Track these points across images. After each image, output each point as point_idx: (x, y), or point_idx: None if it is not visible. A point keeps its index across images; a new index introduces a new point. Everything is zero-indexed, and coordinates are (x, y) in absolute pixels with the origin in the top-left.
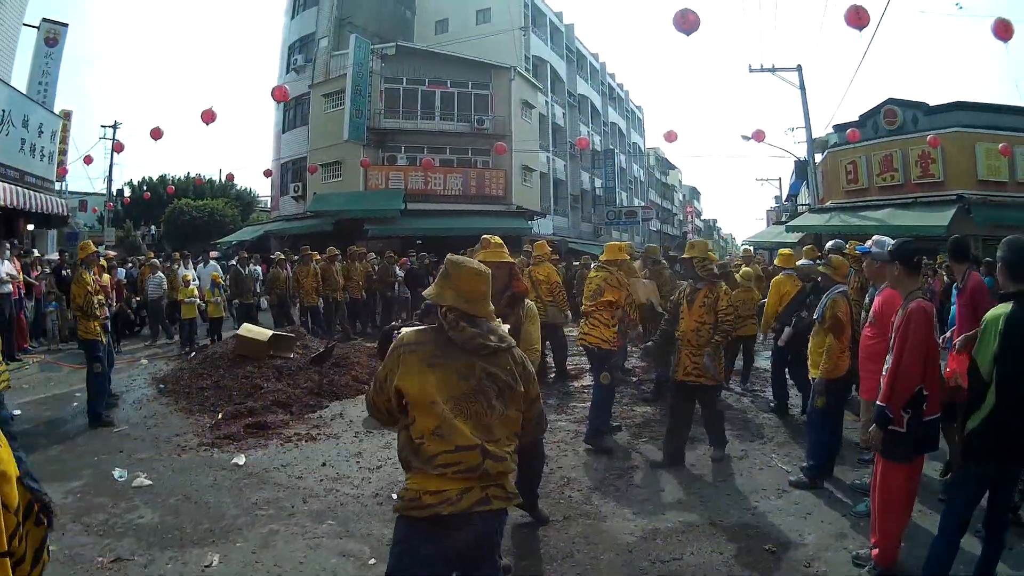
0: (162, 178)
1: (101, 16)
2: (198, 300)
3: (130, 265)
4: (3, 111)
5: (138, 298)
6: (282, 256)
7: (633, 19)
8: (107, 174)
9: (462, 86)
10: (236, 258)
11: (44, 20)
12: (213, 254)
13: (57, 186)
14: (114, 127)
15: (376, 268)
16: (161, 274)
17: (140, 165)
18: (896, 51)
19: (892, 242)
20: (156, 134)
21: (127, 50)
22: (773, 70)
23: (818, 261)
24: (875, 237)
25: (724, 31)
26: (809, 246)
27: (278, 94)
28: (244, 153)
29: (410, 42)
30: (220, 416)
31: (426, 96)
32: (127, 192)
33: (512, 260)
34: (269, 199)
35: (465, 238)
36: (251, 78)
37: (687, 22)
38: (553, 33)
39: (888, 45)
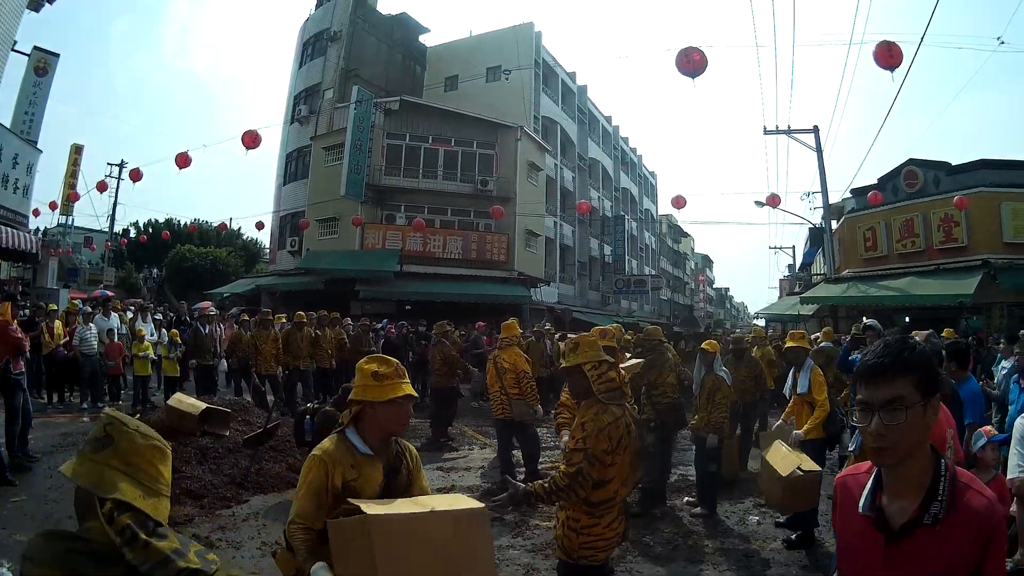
0: (168, 221)
1: (123, 57)
2: (151, 356)
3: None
4: None
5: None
6: (245, 316)
7: (647, 83)
8: (110, 213)
9: (467, 145)
10: (197, 315)
11: (35, 49)
12: (207, 304)
13: (62, 220)
14: (121, 166)
15: (350, 335)
16: (92, 326)
17: (146, 207)
18: (913, 112)
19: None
20: (182, 160)
21: (145, 93)
22: (789, 132)
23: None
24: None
25: (739, 95)
26: (827, 328)
27: (248, 139)
28: (254, 203)
29: (419, 98)
30: None
31: (429, 154)
32: (132, 233)
33: None
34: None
35: (461, 304)
36: (269, 126)
37: (691, 63)
38: (565, 94)
39: (907, 105)
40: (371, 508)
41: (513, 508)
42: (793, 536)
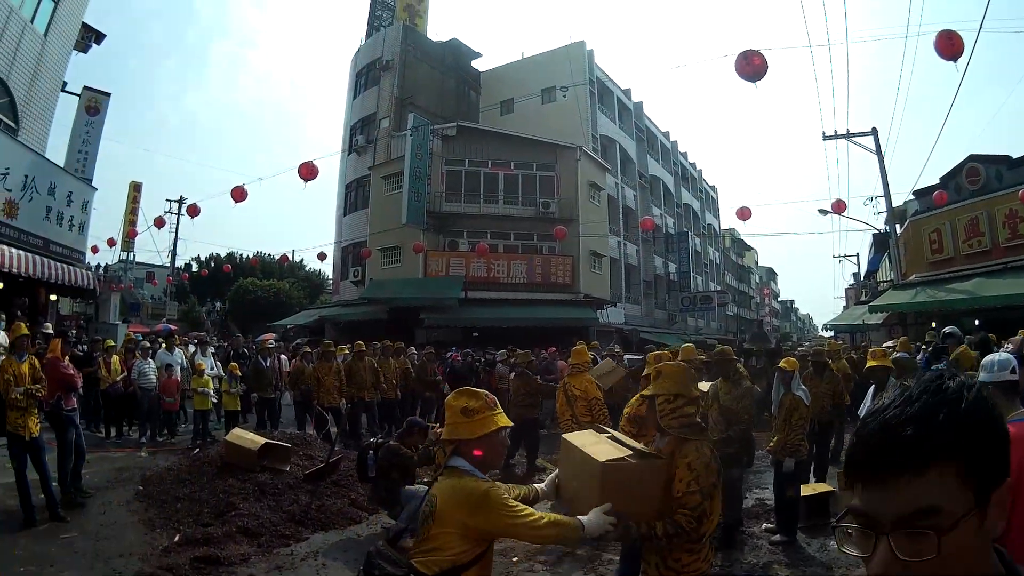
0: (230, 255)
1: (174, 96)
2: (210, 390)
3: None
4: (26, 176)
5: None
6: (307, 348)
7: (702, 96)
8: (171, 248)
9: (526, 167)
10: (257, 348)
11: (86, 88)
12: (269, 336)
13: (123, 256)
14: (180, 201)
15: (414, 364)
16: (151, 360)
17: (207, 242)
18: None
19: (998, 357)
20: (238, 194)
21: (198, 129)
22: (848, 136)
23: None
24: (985, 359)
25: (796, 100)
26: (903, 338)
27: (304, 171)
28: (316, 234)
29: (475, 122)
30: (176, 540)
31: (489, 178)
32: (193, 267)
33: None
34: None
35: (527, 329)
36: (323, 156)
37: (752, 66)
38: (621, 112)
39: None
40: (598, 453)
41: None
42: None
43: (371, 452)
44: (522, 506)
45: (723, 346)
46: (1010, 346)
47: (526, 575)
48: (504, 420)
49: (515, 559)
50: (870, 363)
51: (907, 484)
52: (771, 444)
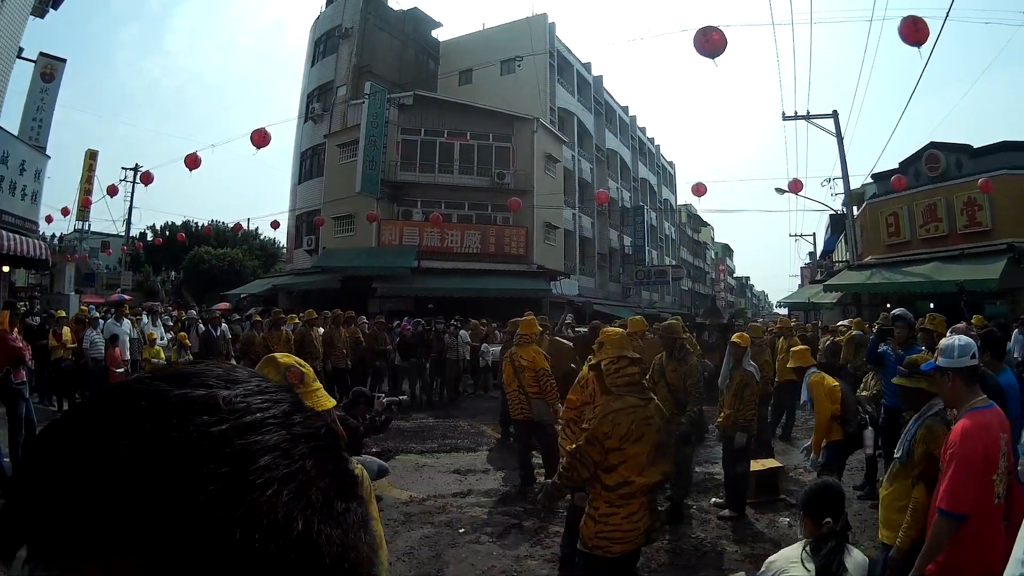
0: (185, 224)
1: (134, 62)
2: (162, 360)
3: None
4: None
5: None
6: (257, 316)
7: (663, 72)
8: (126, 217)
9: (483, 138)
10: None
11: (41, 55)
12: (223, 306)
13: (79, 225)
14: (135, 169)
15: (365, 334)
16: (99, 332)
17: (164, 211)
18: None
19: (959, 342)
20: (191, 161)
21: (158, 97)
22: (808, 117)
23: (877, 331)
24: (942, 343)
25: (757, 79)
26: (858, 319)
27: (256, 138)
28: (274, 203)
29: (434, 93)
30: None
31: (445, 148)
32: (148, 236)
33: None
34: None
35: (481, 300)
36: (275, 124)
37: (711, 43)
38: (581, 85)
39: (928, 88)
40: None
41: (545, 506)
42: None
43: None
44: None
45: (670, 320)
46: (951, 334)
47: (472, 546)
48: (321, 401)
49: (461, 530)
50: (790, 363)
51: None
52: (720, 419)
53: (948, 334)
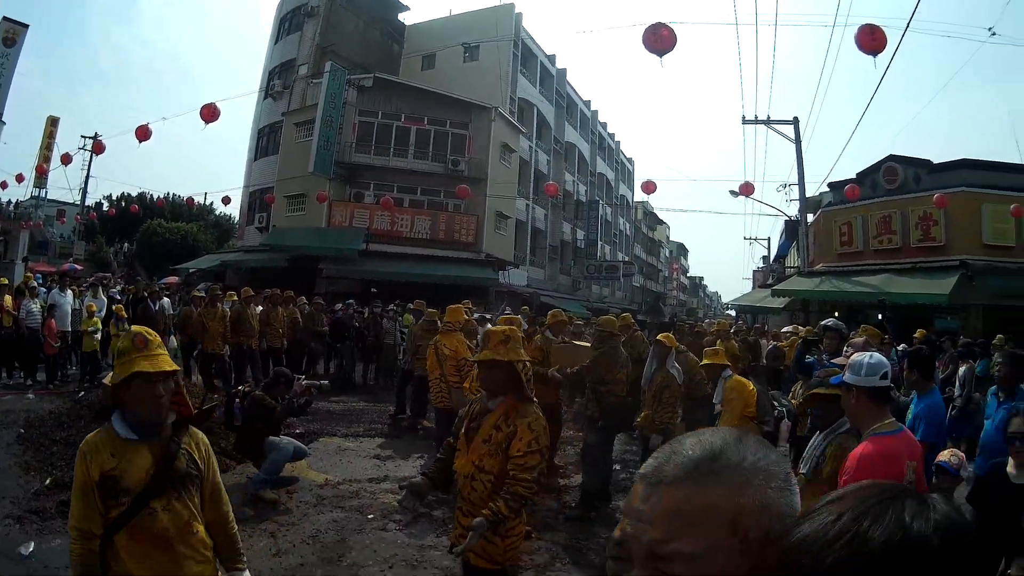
0: (140, 196)
1: (104, 32)
2: (98, 330)
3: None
4: None
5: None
6: (199, 293)
7: (630, 69)
8: (82, 186)
9: (440, 124)
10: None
11: (4, 19)
12: (172, 280)
13: (35, 192)
14: (94, 138)
15: (304, 314)
16: (37, 301)
17: (124, 182)
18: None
19: (870, 359)
20: (142, 133)
21: (127, 68)
22: (768, 122)
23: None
24: (853, 358)
25: (721, 81)
26: (799, 325)
27: (206, 112)
28: (232, 178)
29: (395, 76)
30: (47, 483)
31: (401, 132)
32: (104, 206)
33: None
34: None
35: (427, 286)
36: (227, 99)
37: (660, 40)
38: (543, 76)
39: (893, 99)
40: None
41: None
42: None
43: (238, 400)
44: (75, 487)
45: (605, 316)
46: (850, 350)
47: (378, 533)
48: (151, 366)
49: (370, 516)
50: (704, 360)
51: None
52: (639, 420)
53: (845, 349)
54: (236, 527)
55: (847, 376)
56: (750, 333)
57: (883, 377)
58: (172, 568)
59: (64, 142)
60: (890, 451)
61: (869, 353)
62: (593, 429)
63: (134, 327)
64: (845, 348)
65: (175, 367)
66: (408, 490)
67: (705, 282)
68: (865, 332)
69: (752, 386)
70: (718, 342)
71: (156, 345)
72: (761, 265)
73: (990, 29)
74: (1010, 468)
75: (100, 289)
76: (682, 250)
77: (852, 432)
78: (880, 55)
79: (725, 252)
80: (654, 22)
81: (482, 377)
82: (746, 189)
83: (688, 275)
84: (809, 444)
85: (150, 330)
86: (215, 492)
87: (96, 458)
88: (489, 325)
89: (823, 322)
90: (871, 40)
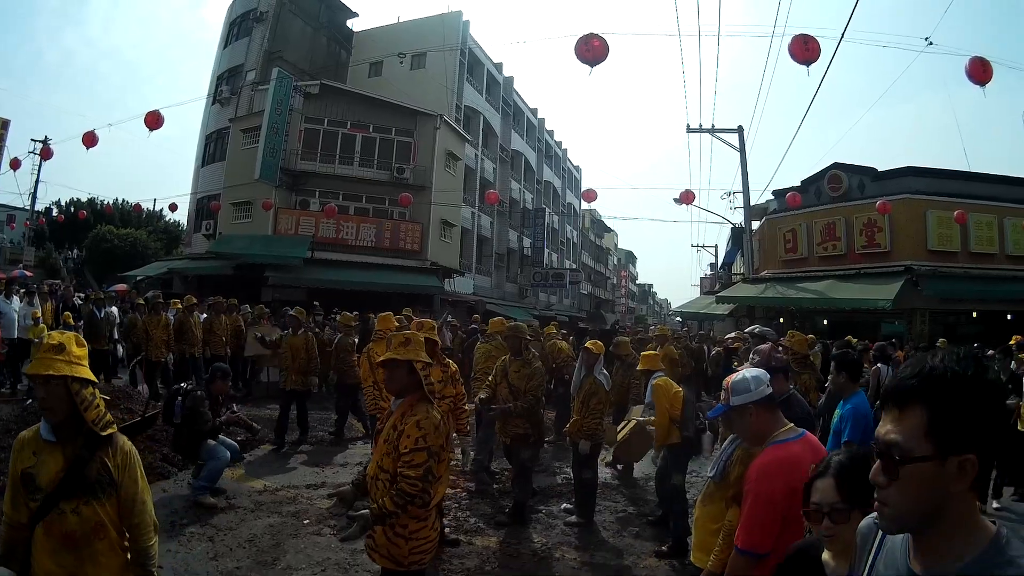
0: (90, 201)
1: (52, 32)
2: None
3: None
4: None
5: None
6: (142, 301)
7: (577, 78)
8: (32, 190)
9: (385, 131)
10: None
11: None
12: (121, 287)
13: None
14: (43, 142)
15: (247, 322)
16: None
17: (74, 187)
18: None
19: (750, 373)
20: (88, 140)
21: (75, 70)
22: (713, 131)
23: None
24: (732, 380)
25: (666, 90)
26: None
27: (150, 120)
28: (182, 184)
29: (343, 82)
30: None
31: (347, 139)
32: (54, 212)
33: None
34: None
35: (373, 294)
36: (171, 106)
37: (591, 50)
38: (490, 84)
39: (838, 111)
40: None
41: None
42: (664, 547)
43: (179, 398)
44: (8, 478)
45: (518, 322)
46: (757, 357)
47: (312, 538)
48: (43, 369)
49: (306, 521)
50: (640, 366)
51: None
52: (568, 427)
53: (751, 355)
54: (152, 539)
55: (736, 400)
56: (693, 340)
57: (767, 385)
58: (77, 568)
59: (14, 145)
60: (792, 457)
61: (744, 371)
62: (526, 445)
63: (56, 331)
64: (751, 355)
65: (63, 372)
66: (337, 498)
67: (655, 289)
68: (792, 339)
69: (678, 388)
70: (658, 348)
71: (48, 348)
72: (709, 272)
73: (927, 39)
74: (826, 557)
75: (34, 297)
76: (631, 258)
77: None
78: (815, 64)
79: (675, 260)
80: (586, 33)
81: (384, 378)
82: (686, 197)
83: (637, 282)
84: (719, 449)
85: (68, 334)
86: (129, 502)
87: (20, 455)
88: (446, 331)
89: (748, 328)
90: (804, 50)
